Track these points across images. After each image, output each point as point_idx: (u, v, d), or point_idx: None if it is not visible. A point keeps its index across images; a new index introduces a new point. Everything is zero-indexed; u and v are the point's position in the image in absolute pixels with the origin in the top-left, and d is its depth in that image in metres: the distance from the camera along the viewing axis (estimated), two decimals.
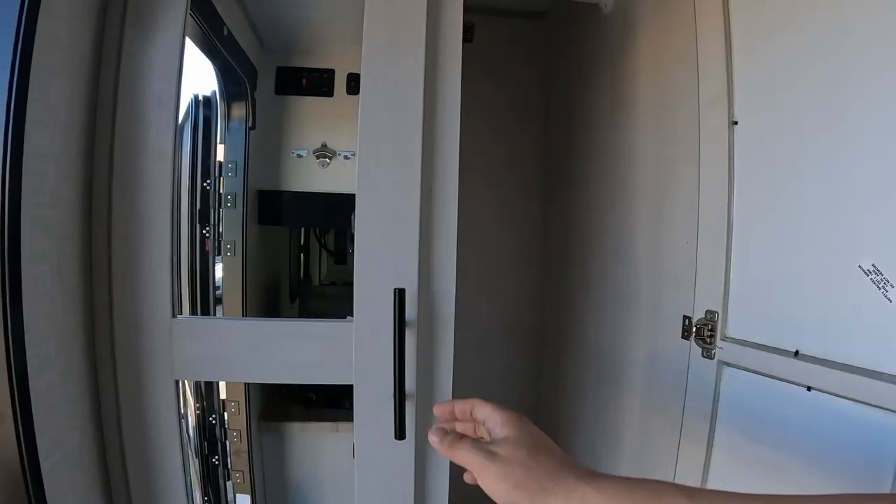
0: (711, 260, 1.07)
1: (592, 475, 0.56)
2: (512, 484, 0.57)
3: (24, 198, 0.85)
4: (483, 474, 0.61)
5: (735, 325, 1.05)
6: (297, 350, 0.98)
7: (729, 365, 1.05)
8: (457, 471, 0.98)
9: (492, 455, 0.60)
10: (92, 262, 0.98)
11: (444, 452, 0.66)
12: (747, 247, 1.03)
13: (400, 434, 0.85)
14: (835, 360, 0.89)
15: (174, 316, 0.96)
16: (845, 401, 0.87)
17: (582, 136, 1.73)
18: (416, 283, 0.95)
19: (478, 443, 0.64)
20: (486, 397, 0.67)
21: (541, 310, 2.08)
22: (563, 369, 1.86)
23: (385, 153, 0.96)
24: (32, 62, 0.87)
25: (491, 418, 0.65)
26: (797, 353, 0.94)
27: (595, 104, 1.65)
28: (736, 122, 1.03)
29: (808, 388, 0.92)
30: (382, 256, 0.96)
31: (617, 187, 1.49)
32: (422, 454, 1.01)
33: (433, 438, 0.67)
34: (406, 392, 0.94)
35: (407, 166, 0.96)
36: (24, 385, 0.86)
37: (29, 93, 0.86)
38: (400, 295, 0.88)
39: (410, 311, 0.93)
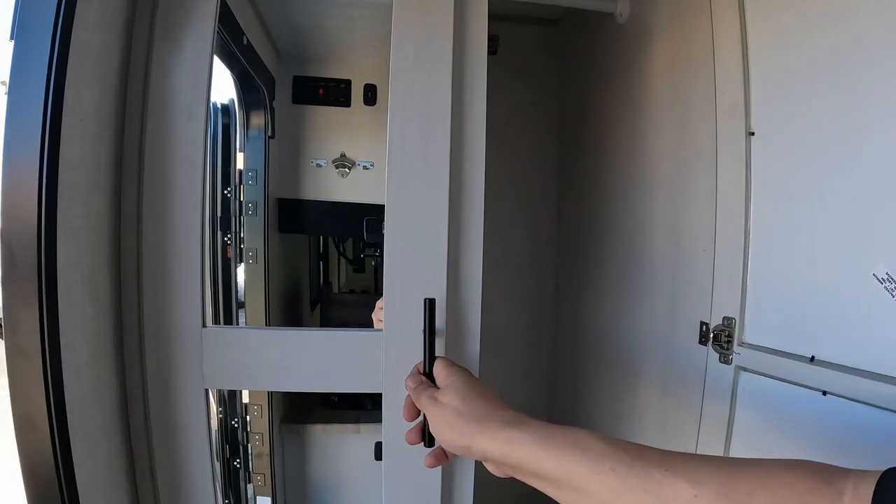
0: (729, 267, 1.09)
1: (518, 418, 0.63)
2: (446, 424, 0.67)
3: (58, 208, 0.86)
4: (429, 416, 0.72)
5: (752, 330, 1.07)
6: (325, 359, 0.99)
7: (746, 370, 1.07)
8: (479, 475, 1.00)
9: (434, 401, 0.70)
10: (122, 272, 0.99)
11: (412, 396, 0.76)
12: (764, 255, 1.05)
13: (429, 441, 0.87)
14: (850, 365, 0.91)
15: (204, 325, 0.97)
16: (860, 405, 0.89)
17: (597, 142, 1.74)
18: (444, 292, 0.97)
19: (431, 391, 0.72)
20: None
21: (556, 312, 2.09)
22: (578, 372, 1.88)
23: (414, 165, 0.98)
24: (67, 72, 0.87)
25: (440, 373, 0.75)
26: (813, 358, 0.96)
27: (610, 112, 1.66)
28: (752, 133, 1.05)
29: (824, 393, 0.94)
30: (412, 267, 0.97)
31: (632, 193, 1.51)
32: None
33: (410, 384, 0.76)
34: None
35: (435, 177, 0.98)
36: (60, 395, 0.87)
37: (64, 103, 0.87)
38: (430, 305, 0.89)
39: (439, 320, 0.94)
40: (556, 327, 2.10)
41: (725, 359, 1.10)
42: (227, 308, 1.47)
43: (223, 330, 1.01)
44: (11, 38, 0.96)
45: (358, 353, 0.99)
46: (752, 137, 1.06)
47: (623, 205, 1.57)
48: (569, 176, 2.00)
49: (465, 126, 1.00)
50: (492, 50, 1.01)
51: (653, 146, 1.41)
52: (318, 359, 0.99)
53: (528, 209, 2.06)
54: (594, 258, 1.76)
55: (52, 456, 0.86)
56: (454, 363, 0.78)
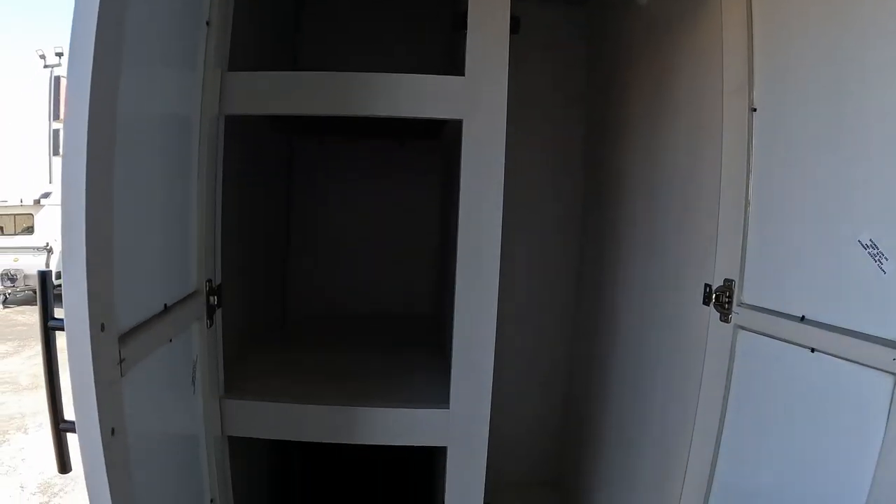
0: (730, 233, 1.17)
1: None
2: None
3: None
4: None
5: (749, 292, 1.16)
6: None
7: (743, 328, 1.16)
8: None
9: None
10: None
11: None
12: (762, 220, 1.14)
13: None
14: (836, 324, 0.99)
15: None
16: (844, 361, 0.97)
17: (620, 120, 1.81)
18: None
19: None
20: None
21: (576, 283, 2.18)
22: (595, 336, 1.98)
23: None
24: None
25: None
26: (803, 317, 1.04)
27: (632, 91, 1.73)
28: (755, 109, 1.12)
29: (812, 350, 1.02)
30: None
31: (651, 168, 1.59)
32: None
33: None
34: None
35: None
36: None
37: None
38: (42, 278, 0.63)
39: None
40: (576, 296, 2.19)
41: (725, 318, 1.18)
42: None
43: None
44: None
45: None
46: (754, 113, 1.13)
47: (642, 178, 1.64)
48: (594, 149, 2.06)
49: None
50: (513, 29, 1.08)
51: (669, 122, 1.48)
52: None
53: (553, 183, 2.12)
54: (613, 228, 1.84)
55: None
56: None
